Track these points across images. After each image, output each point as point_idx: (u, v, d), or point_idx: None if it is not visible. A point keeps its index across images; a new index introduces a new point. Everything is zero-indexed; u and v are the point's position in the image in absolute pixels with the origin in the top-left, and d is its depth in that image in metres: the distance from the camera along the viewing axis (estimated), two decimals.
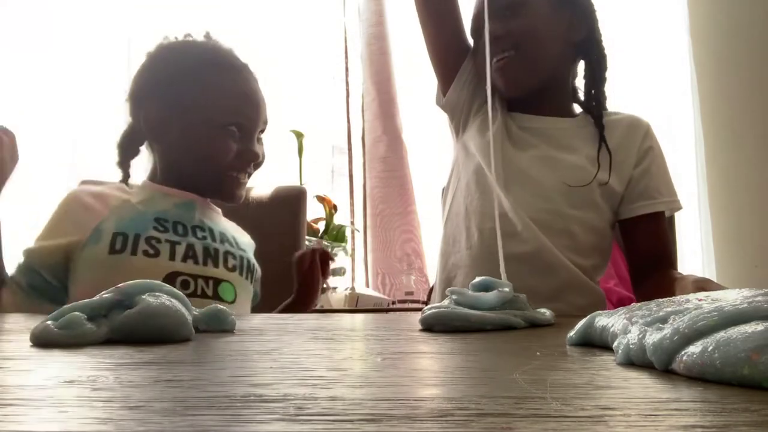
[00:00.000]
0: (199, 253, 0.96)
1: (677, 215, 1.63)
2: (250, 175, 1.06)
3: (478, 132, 1.07)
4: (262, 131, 1.08)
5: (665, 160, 1.09)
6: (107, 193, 1.00)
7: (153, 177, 1.06)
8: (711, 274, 2.29)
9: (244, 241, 1.09)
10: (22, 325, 0.64)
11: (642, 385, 0.30)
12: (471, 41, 1.11)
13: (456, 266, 1.07)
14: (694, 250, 2.31)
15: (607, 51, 1.08)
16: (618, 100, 2.44)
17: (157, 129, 1.02)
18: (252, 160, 1.03)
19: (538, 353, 0.42)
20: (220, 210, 1.10)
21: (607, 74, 1.09)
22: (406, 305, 2.19)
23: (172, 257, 0.94)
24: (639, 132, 1.07)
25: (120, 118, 1.13)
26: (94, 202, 0.97)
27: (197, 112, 1.00)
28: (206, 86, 1.01)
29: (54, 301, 0.92)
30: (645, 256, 1.06)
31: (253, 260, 1.08)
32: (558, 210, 1.02)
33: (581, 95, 1.13)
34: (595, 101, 1.08)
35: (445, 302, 0.63)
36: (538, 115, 1.08)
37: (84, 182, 1.17)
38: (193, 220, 1.01)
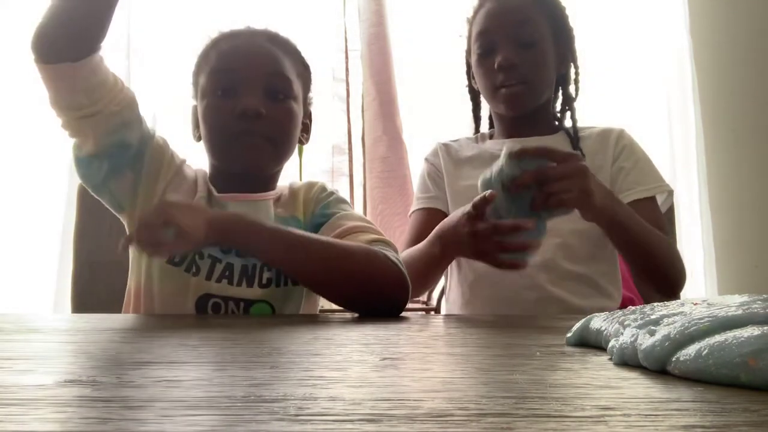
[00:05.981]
0: (236, 272, 0.93)
1: (678, 217, 1.63)
2: (271, 139, 0.96)
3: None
4: (278, 89, 0.97)
5: (643, 155, 1.16)
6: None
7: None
8: (711, 274, 2.29)
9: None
10: (22, 325, 0.64)
11: (642, 385, 0.30)
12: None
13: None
14: (695, 250, 2.31)
15: (580, 82, 1.23)
16: (619, 100, 2.43)
17: (194, 122, 1.04)
18: (246, 111, 0.92)
19: (537, 353, 0.42)
20: (268, 198, 1.02)
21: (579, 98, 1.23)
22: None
23: (208, 277, 0.92)
24: (611, 136, 1.17)
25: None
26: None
27: (200, 90, 0.99)
28: (207, 61, 0.99)
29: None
30: None
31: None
32: (551, 225, 1.06)
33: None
34: (571, 120, 1.20)
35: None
36: (527, 136, 1.17)
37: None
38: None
